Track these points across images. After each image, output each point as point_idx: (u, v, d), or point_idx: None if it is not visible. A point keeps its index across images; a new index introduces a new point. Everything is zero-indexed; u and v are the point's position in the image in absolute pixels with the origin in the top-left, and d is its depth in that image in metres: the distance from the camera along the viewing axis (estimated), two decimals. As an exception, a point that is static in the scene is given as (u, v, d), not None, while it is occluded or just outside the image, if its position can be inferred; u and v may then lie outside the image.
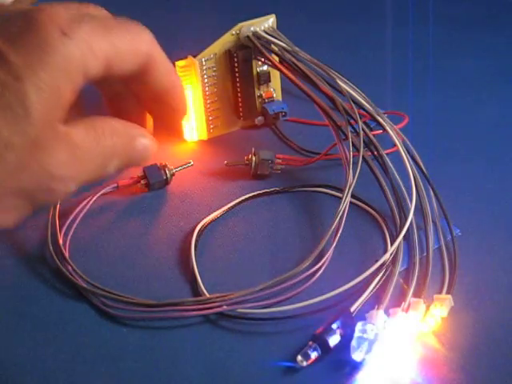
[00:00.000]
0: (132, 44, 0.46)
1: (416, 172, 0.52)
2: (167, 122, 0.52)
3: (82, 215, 0.52)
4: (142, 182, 0.55)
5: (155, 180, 0.55)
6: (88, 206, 0.53)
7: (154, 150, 0.52)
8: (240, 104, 0.60)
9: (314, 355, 0.43)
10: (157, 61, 0.48)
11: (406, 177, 0.51)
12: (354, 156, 0.51)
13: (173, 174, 0.56)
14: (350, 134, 0.52)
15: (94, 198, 0.54)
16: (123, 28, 0.46)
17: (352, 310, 0.45)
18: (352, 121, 0.53)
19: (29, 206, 0.44)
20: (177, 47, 0.67)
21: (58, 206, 0.52)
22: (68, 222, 0.52)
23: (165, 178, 0.55)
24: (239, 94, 0.59)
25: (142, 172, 0.55)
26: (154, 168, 0.55)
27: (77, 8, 0.48)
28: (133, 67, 0.47)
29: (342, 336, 0.43)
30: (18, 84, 0.41)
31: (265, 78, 0.60)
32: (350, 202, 0.51)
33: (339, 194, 0.52)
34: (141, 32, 0.48)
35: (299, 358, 0.43)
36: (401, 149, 0.52)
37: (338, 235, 0.48)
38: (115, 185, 0.55)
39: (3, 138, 0.41)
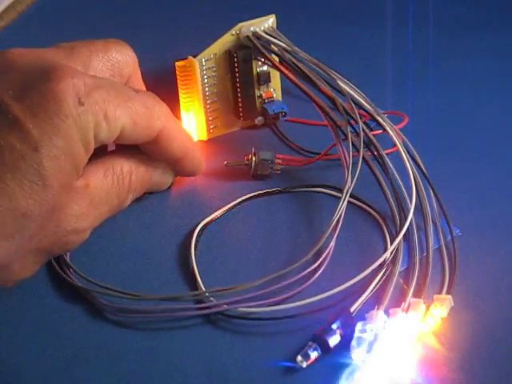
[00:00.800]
0: (147, 119, 0.46)
1: (416, 172, 0.52)
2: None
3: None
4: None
5: None
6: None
7: (171, 179, 0.52)
8: (240, 104, 0.60)
9: (313, 355, 0.43)
10: (170, 135, 0.48)
11: (406, 177, 0.51)
12: (353, 156, 0.51)
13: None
14: (349, 134, 0.52)
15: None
16: (140, 101, 0.46)
17: (352, 310, 0.45)
18: (352, 121, 0.53)
19: (46, 258, 0.45)
20: (177, 47, 0.67)
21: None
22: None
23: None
24: (239, 94, 0.59)
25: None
26: None
27: (102, 48, 0.48)
28: (145, 139, 0.47)
29: (341, 336, 0.43)
30: (34, 154, 0.41)
31: (265, 78, 0.60)
32: (350, 202, 0.52)
33: (339, 194, 0.52)
34: (156, 106, 0.47)
35: (299, 358, 0.43)
36: (401, 149, 0.52)
37: (336, 234, 0.48)
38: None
39: (21, 208, 0.41)
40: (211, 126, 0.60)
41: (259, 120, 0.61)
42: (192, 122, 0.59)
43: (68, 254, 0.49)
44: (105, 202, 0.47)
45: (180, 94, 0.59)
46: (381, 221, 0.52)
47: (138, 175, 0.49)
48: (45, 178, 0.41)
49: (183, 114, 0.59)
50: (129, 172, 0.48)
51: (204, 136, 0.60)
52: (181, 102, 0.59)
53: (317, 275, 0.47)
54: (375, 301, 0.46)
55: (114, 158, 0.48)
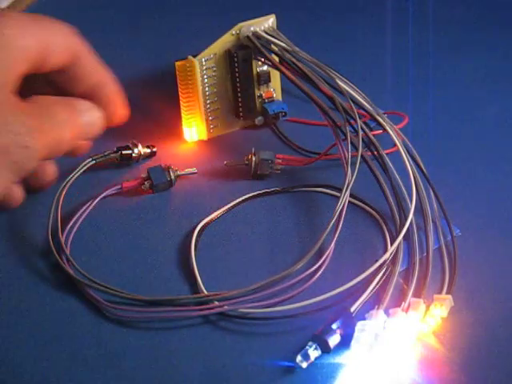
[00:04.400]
0: (62, 38, 0.50)
1: (416, 172, 0.52)
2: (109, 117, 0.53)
3: (84, 216, 0.52)
4: (146, 183, 0.55)
5: (159, 181, 0.55)
6: (91, 207, 0.53)
7: (101, 122, 0.53)
8: (240, 104, 0.60)
9: (314, 355, 0.43)
10: (85, 56, 0.51)
11: (406, 177, 0.51)
12: (353, 156, 0.51)
13: (178, 176, 0.55)
14: (348, 133, 0.52)
15: (98, 199, 0.53)
16: (54, 24, 0.50)
17: (352, 310, 0.45)
18: (352, 121, 0.53)
19: (9, 171, 0.46)
20: (177, 47, 0.67)
21: (60, 206, 0.52)
22: (71, 222, 0.52)
23: (169, 179, 0.55)
24: (239, 94, 0.59)
25: (146, 173, 0.55)
26: (158, 169, 0.55)
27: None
28: (64, 60, 0.50)
29: (341, 336, 0.43)
30: None
31: (265, 78, 0.60)
32: (351, 202, 0.51)
33: (339, 194, 0.52)
34: (69, 29, 0.51)
35: (299, 358, 0.43)
36: (401, 149, 0.52)
37: (337, 234, 0.48)
38: (119, 186, 0.55)
39: None
40: (211, 126, 0.60)
41: (259, 120, 0.61)
42: (192, 121, 0.59)
43: (69, 252, 0.49)
44: (42, 130, 0.48)
45: (180, 93, 0.59)
46: (381, 221, 0.52)
47: (68, 113, 0.50)
48: None
49: (183, 114, 0.59)
50: (60, 110, 0.49)
51: (204, 136, 0.60)
52: (181, 102, 0.59)
53: (317, 276, 0.47)
54: (375, 301, 0.46)
55: (45, 99, 0.49)
